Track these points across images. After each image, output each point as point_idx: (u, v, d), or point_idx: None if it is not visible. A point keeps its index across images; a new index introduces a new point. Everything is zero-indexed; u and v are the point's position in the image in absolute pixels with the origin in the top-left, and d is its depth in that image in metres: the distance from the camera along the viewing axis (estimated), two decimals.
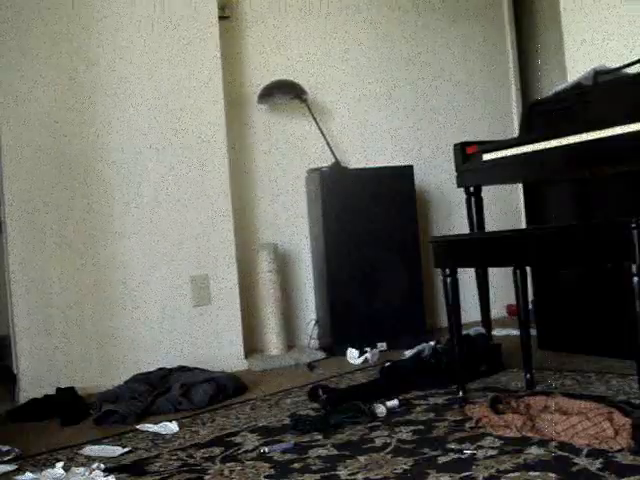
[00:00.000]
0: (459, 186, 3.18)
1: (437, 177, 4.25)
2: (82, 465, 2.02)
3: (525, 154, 2.76)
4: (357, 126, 4.16)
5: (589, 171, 2.65)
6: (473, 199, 3.21)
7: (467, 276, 3.22)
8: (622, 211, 2.74)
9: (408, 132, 4.30)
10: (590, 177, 2.86)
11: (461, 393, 2.43)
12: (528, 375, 2.52)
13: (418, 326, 3.69)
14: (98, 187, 3.24)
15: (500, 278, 3.85)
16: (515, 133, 4.12)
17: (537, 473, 1.65)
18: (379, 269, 3.66)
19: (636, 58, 2.80)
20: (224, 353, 3.41)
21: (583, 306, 3.09)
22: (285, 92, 3.81)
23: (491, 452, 1.83)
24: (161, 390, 2.74)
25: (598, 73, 2.84)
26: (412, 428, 2.13)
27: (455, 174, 3.17)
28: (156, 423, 2.41)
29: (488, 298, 3.29)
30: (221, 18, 3.66)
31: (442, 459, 1.82)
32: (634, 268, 1.88)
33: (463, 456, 1.83)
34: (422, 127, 4.35)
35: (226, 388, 2.80)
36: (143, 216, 3.31)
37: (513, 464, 1.72)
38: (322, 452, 1.97)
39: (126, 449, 2.17)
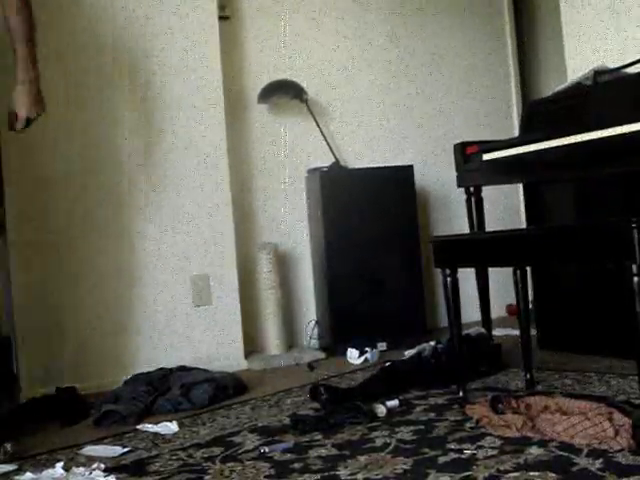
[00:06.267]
0: (459, 186, 3.18)
1: (437, 177, 4.24)
2: (82, 465, 2.02)
3: (525, 154, 2.76)
4: (357, 126, 4.15)
5: (589, 171, 2.65)
6: (473, 199, 3.21)
7: (467, 276, 3.22)
8: (622, 211, 2.74)
9: (408, 132, 4.30)
10: (590, 177, 2.86)
11: (461, 393, 2.43)
12: (528, 375, 2.52)
13: (418, 326, 3.69)
14: (97, 188, 3.24)
15: (500, 278, 3.85)
16: (515, 133, 4.12)
17: (537, 473, 1.65)
18: (379, 269, 3.67)
19: (636, 58, 2.80)
20: (224, 353, 3.41)
21: (583, 306, 3.09)
22: (285, 92, 3.81)
23: (491, 452, 1.83)
24: (161, 390, 2.74)
25: (598, 73, 2.84)
26: (412, 428, 2.13)
27: (455, 174, 3.17)
28: (156, 423, 2.41)
29: (488, 298, 3.29)
30: (221, 18, 3.66)
31: (442, 459, 1.82)
32: (634, 268, 1.88)
33: (463, 456, 1.83)
34: (422, 127, 4.35)
35: (226, 388, 2.80)
36: (143, 216, 3.31)
37: (513, 464, 1.72)
38: (322, 452, 1.97)
39: (126, 449, 2.17)
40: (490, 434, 1.97)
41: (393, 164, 3.97)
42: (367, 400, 2.35)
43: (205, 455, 2.05)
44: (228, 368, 3.21)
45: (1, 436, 2.24)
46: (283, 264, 3.82)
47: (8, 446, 2.17)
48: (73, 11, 3.23)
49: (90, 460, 2.07)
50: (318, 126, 3.85)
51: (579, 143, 2.53)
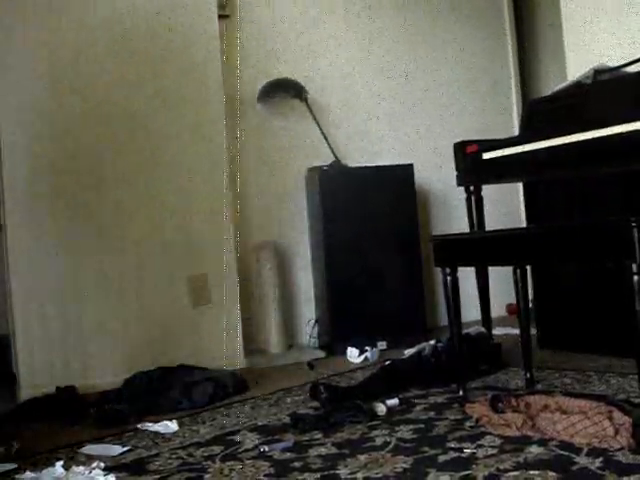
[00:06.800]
0: (459, 185, 3.18)
1: (437, 176, 4.24)
2: (82, 464, 2.01)
3: (525, 153, 2.76)
4: (357, 125, 4.15)
5: (589, 170, 2.65)
6: (473, 198, 3.20)
7: (467, 275, 3.22)
8: (622, 210, 2.74)
9: (408, 131, 4.30)
10: (590, 176, 2.86)
11: (461, 392, 2.43)
12: (528, 374, 2.52)
13: (418, 325, 3.69)
14: (97, 187, 3.23)
15: (500, 278, 3.84)
16: (515, 132, 4.12)
17: (537, 472, 1.65)
18: (379, 268, 3.66)
19: (636, 57, 2.80)
20: (224, 352, 3.40)
21: (583, 305, 3.09)
22: (285, 91, 3.81)
23: (491, 451, 1.83)
24: (161, 389, 2.74)
25: (598, 72, 2.84)
26: (412, 427, 2.12)
27: (455, 173, 3.16)
28: (156, 422, 2.41)
29: (488, 297, 3.28)
30: (221, 17, 3.66)
31: (442, 458, 1.82)
32: (634, 267, 1.88)
33: (463, 455, 1.83)
34: (422, 126, 4.35)
35: (226, 387, 2.80)
36: (142, 216, 3.31)
37: (513, 463, 1.72)
38: (322, 451, 1.97)
39: (126, 448, 2.17)
40: (490, 433, 1.97)
41: (393, 162, 3.97)
42: (367, 399, 2.35)
43: (205, 454, 2.05)
44: (228, 367, 3.21)
45: (1, 436, 2.24)
46: (283, 263, 3.82)
47: (14, 443, 2.18)
48: (70, 9, 3.23)
49: (90, 459, 2.08)
50: (318, 125, 3.85)
51: (579, 142, 2.53)
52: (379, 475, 1.74)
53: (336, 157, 3.84)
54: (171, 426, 2.37)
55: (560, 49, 3.56)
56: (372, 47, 4.23)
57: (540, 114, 3.01)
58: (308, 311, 3.92)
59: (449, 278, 2.43)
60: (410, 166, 3.83)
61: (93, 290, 3.20)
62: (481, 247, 2.38)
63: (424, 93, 4.38)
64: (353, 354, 3.38)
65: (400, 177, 3.79)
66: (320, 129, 3.85)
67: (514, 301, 2.72)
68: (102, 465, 1.97)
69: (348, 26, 4.17)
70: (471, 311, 3.45)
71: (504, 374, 2.77)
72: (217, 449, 2.09)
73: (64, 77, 3.19)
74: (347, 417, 2.21)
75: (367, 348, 3.39)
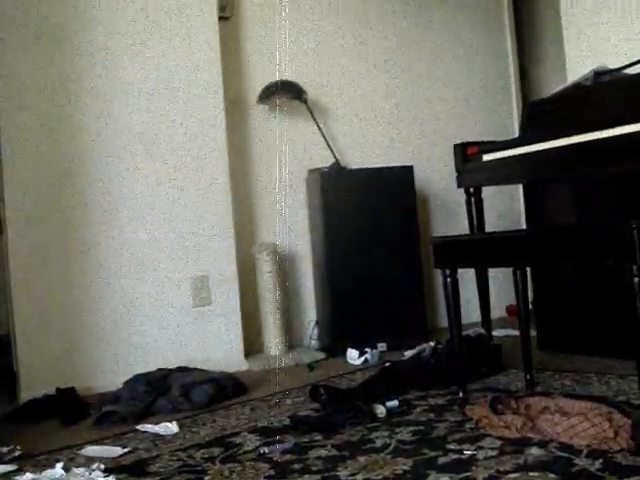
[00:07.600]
0: (459, 186, 3.18)
1: (437, 177, 4.24)
2: (82, 465, 2.02)
3: (525, 154, 2.76)
4: (357, 126, 4.15)
5: (589, 171, 2.65)
6: (473, 199, 3.21)
7: (467, 276, 3.22)
8: (622, 211, 2.74)
9: (408, 132, 4.30)
10: (590, 177, 2.86)
11: (461, 394, 2.43)
12: (528, 376, 2.52)
13: (418, 326, 3.68)
14: (98, 188, 3.23)
15: (500, 278, 3.85)
16: (515, 133, 4.12)
17: (537, 473, 1.65)
18: (379, 269, 3.66)
19: (636, 59, 2.81)
20: (224, 353, 3.40)
21: (583, 307, 3.09)
22: (285, 92, 3.80)
23: (491, 453, 1.83)
24: (161, 391, 2.73)
25: (598, 74, 2.85)
26: (412, 429, 2.13)
27: (455, 174, 3.17)
28: (156, 423, 2.41)
29: (488, 298, 3.29)
30: (221, 19, 3.66)
31: (442, 460, 1.82)
32: (635, 269, 1.88)
33: (463, 457, 1.83)
34: (422, 127, 4.35)
35: (226, 388, 2.80)
36: (143, 216, 3.31)
37: (513, 465, 1.72)
38: (322, 453, 1.97)
39: (126, 449, 2.17)
40: (490, 435, 1.97)
41: (393, 164, 3.96)
42: (367, 401, 2.35)
43: (205, 456, 2.05)
44: (228, 368, 3.21)
45: (1, 436, 2.24)
46: (283, 264, 3.81)
47: (17, 447, 2.20)
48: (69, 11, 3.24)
49: (90, 460, 2.08)
50: (318, 126, 3.85)
51: (579, 144, 2.53)
52: (379, 477, 1.74)
53: (336, 159, 3.85)
54: (171, 428, 2.37)
55: (560, 49, 3.56)
56: (372, 49, 4.23)
57: (540, 116, 3.02)
58: (308, 312, 3.92)
59: (449, 279, 2.43)
60: (410, 168, 3.83)
61: (94, 291, 3.20)
62: (481, 248, 2.38)
63: (424, 95, 4.37)
64: (353, 356, 3.38)
65: (400, 179, 3.78)
66: (320, 131, 3.85)
67: (514, 302, 2.72)
68: (102, 467, 1.97)
69: (348, 28, 4.17)
70: (471, 312, 3.45)
71: (504, 376, 2.77)
72: (217, 451, 2.09)
73: (63, 88, 3.19)
74: (347, 419, 2.21)
75: (367, 350, 3.39)
